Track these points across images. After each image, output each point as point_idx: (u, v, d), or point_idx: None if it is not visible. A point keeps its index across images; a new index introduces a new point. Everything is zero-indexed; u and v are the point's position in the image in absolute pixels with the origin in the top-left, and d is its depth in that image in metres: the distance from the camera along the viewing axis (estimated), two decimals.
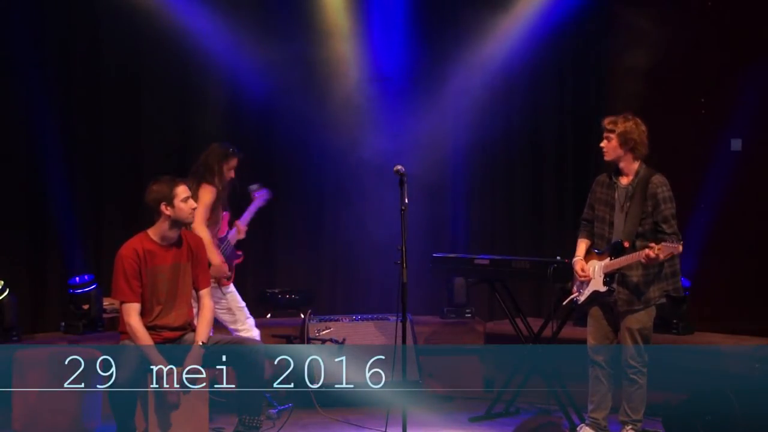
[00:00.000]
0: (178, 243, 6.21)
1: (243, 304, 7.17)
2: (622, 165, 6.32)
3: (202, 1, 8.48)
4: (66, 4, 8.33)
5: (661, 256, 6.05)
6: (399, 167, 6.18)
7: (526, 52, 8.95)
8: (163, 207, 6.11)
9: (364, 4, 8.91)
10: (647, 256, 6.07)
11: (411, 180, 6.27)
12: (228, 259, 7.10)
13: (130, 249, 6.12)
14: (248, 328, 7.09)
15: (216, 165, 6.98)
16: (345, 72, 8.88)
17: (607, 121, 6.32)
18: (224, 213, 7.12)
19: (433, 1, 9.03)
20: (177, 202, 6.11)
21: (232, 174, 7.07)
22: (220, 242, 7.10)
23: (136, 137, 8.57)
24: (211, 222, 6.94)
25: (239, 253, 7.37)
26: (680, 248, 6.03)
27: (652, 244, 6.10)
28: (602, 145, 6.33)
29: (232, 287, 7.14)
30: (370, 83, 8.85)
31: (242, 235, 7.32)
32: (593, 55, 9.17)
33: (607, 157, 6.33)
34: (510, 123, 9.10)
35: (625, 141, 6.26)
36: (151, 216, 6.20)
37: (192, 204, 6.17)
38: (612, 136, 6.28)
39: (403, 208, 6.05)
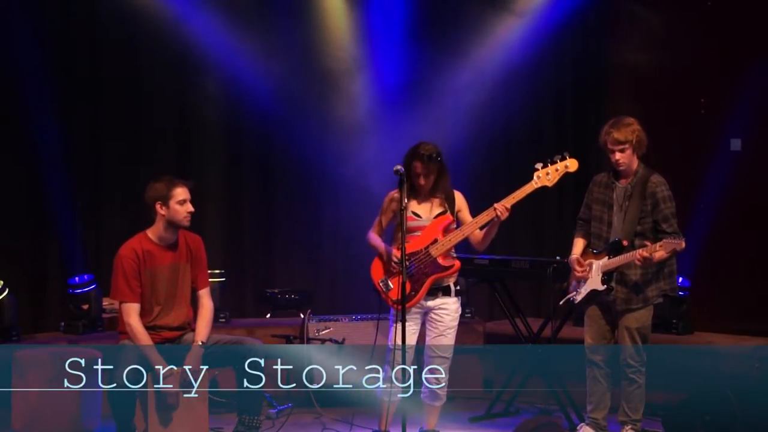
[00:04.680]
0: (177, 243, 6.21)
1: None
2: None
3: (202, 1, 8.50)
4: (66, 3, 8.34)
5: (664, 253, 6.04)
6: (398, 167, 6.16)
7: (526, 53, 8.96)
8: (158, 206, 6.11)
9: (365, 6, 8.92)
10: (641, 255, 6.07)
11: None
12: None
13: (129, 249, 6.12)
14: None
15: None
16: (346, 73, 8.89)
17: (616, 134, 6.20)
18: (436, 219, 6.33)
19: (433, 1, 9.04)
20: (172, 203, 6.10)
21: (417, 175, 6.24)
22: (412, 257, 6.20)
23: (136, 137, 8.58)
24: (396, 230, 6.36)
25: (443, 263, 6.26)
26: (683, 244, 6.01)
27: (647, 243, 6.10)
28: (618, 158, 6.23)
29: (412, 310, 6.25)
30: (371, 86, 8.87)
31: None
32: (593, 56, 9.18)
33: (623, 167, 6.27)
34: (510, 122, 9.12)
35: (639, 146, 6.24)
36: (151, 216, 6.19)
37: (189, 207, 6.14)
38: (626, 147, 6.21)
39: (402, 207, 6.04)
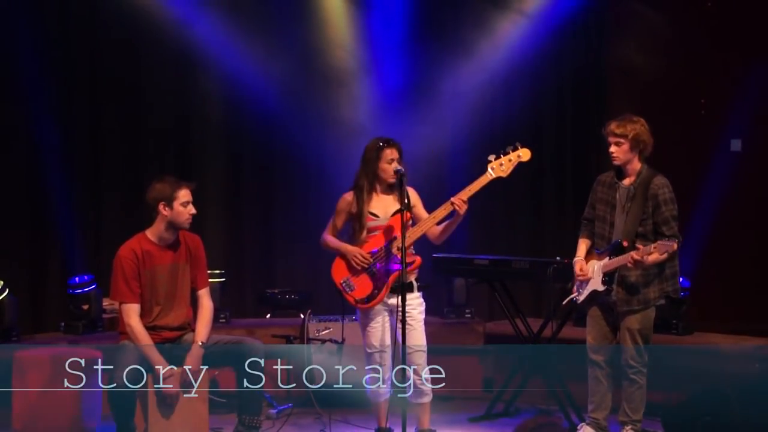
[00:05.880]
0: (176, 243, 6.21)
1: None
2: (627, 166, 6.30)
3: (203, 1, 8.50)
4: (66, 3, 8.34)
5: (658, 255, 6.04)
6: (398, 167, 6.17)
7: (527, 53, 8.96)
8: (161, 207, 6.10)
9: (365, 6, 8.92)
10: (633, 259, 6.07)
11: (410, 180, 6.26)
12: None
13: (128, 250, 6.12)
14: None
15: (362, 162, 6.42)
16: (347, 73, 8.89)
17: (614, 126, 6.23)
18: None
19: (433, 1, 9.03)
20: (176, 204, 6.09)
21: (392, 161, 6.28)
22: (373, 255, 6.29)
23: (136, 137, 8.58)
24: (352, 231, 6.41)
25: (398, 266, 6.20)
26: (675, 246, 6.00)
27: (639, 246, 6.09)
28: (612, 150, 6.25)
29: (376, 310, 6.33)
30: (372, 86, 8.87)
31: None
32: (593, 56, 9.18)
33: (618, 162, 6.27)
34: (510, 122, 9.11)
35: (636, 144, 6.23)
36: (151, 216, 6.19)
37: (191, 210, 6.14)
38: (623, 141, 6.21)
39: (402, 208, 6.04)
